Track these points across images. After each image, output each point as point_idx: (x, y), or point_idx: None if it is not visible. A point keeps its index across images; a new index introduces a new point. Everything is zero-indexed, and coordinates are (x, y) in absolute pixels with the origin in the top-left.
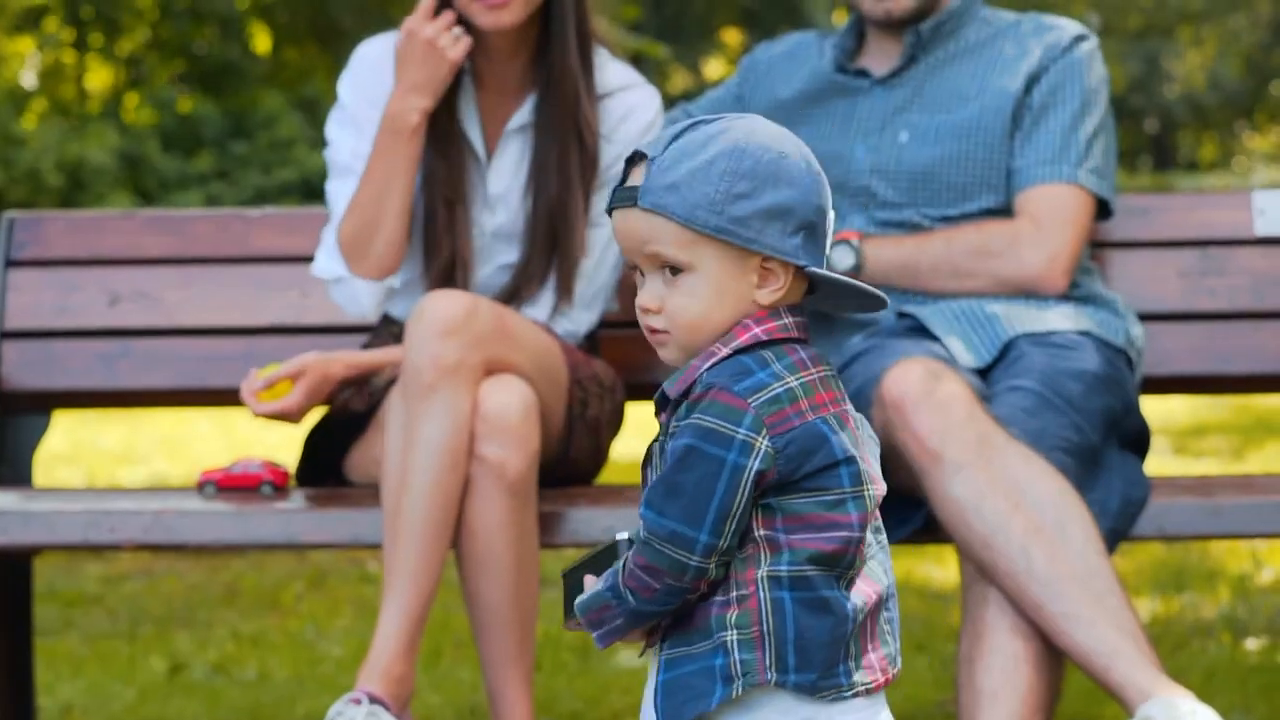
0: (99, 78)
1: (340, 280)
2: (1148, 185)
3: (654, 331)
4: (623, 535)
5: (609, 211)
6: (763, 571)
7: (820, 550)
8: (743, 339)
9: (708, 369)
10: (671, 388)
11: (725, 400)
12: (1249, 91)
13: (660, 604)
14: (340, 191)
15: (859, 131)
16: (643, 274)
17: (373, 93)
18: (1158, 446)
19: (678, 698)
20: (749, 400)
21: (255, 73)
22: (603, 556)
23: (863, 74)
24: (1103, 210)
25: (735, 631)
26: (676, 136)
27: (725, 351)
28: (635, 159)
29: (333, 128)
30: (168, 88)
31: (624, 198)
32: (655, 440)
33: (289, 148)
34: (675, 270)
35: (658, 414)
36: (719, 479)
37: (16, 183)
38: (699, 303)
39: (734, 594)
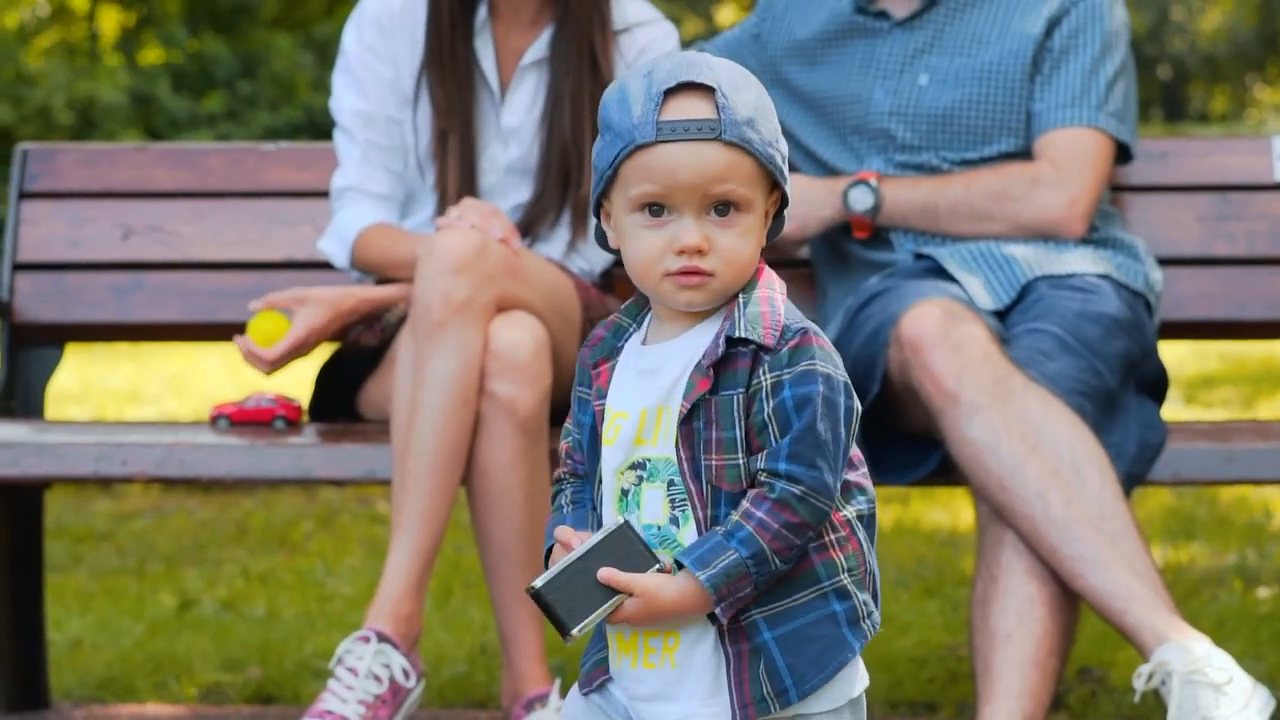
0: (110, 19)
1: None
2: (1160, 135)
3: (697, 274)
4: (619, 519)
5: (663, 142)
6: (850, 512)
7: (870, 488)
8: (772, 280)
9: (785, 313)
10: (758, 336)
11: (823, 345)
12: (1261, 44)
13: (792, 562)
14: (344, 145)
15: (878, 74)
16: (663, 212)
17: (376, 45)
18: (1169, 396)
19: (810, 650)
20: (829, 343)
21: (266, 15)
22: (609, 546)
23: (883, 15)
24: (1123, 154)
25: (848, 575)
26: (705, 65)
27: (780, 296)
28: (684, 89)
29: (337, 76)
30: (179, 28)
31: (702, 130)
32: (708, 394)
33: (297, 88)
34: (726, 210)
35: (710, 367)
36: (843, 425)
37: (27, 120)
38: (751, 244)
39: (830, 537)
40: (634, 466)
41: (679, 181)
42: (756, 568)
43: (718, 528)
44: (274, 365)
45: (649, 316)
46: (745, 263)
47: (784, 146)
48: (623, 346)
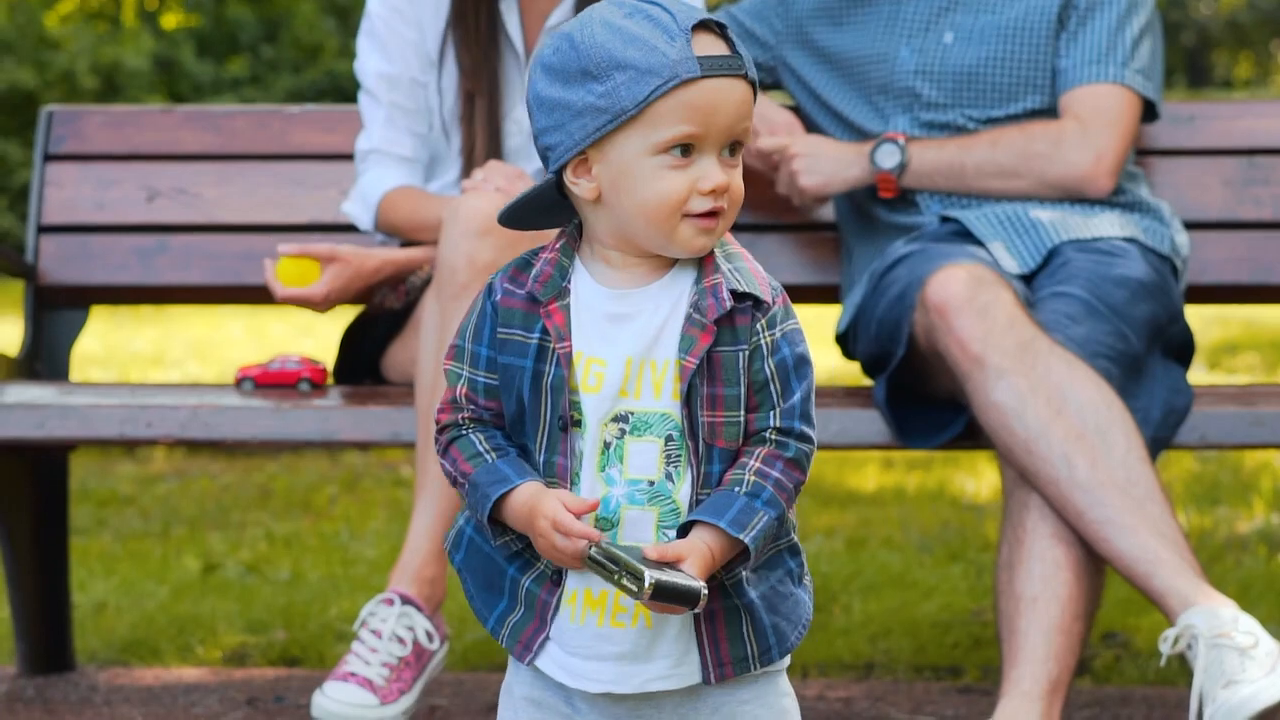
0: None
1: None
2: (1185, 99)
3: (713, 215)
4: (593, 547)
5: (707, 77)
6: None
7: None
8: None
9: (759, 267)
10: (759, 291)
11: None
12: None
13: None
14: (368, 107)
15: (903, 33)
16: (691, 152)
17: (401, 8)
18: (1192, 362)
19: (784, 607)
20: None
21: None
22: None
23: None
24: (1149, 112)
25: (794, 530)
26: (692, 7)
27: (744, 251)
28: (701, 27)
29: (362, 39)
30: None
31: (733, 66)
32: (710, 348)
33: (320, 52)
34: (735, 150)
35: (714, 320)
36: None
37: (51, 85)
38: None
39: None
40: (617, 419)
41: (717, 119)
42: (779, 527)
43: (735, 487)
44: (285, 301)
45: (576, 258)
46: (741, 203)
47: None
48: (569, 287)
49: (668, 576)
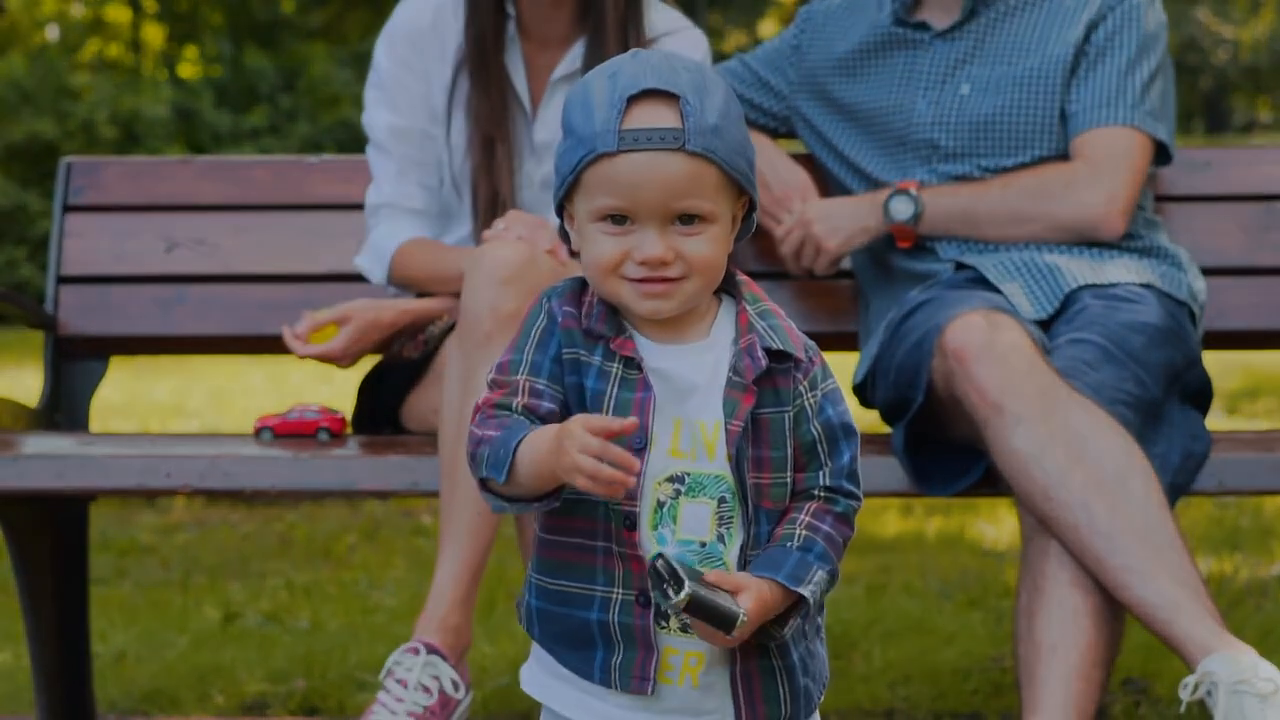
0: (153, 34)
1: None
2: (1203, 145)
3: (666, 281)
4: (659, 557)
5: (622, 152)
6: None
7: None
8: (762, 292)
9: (793, 325)
10: (794, 350)
11: None
12: None
13: None
14: (378, 160)
15: (920, 85)
16: (626, 222)
17: (409, 60)
18: (1211, 407)
19: (814, 666)
20: None
21: (305, 28)
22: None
23: (923, 27)
24: (1162, 155)
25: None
26: (670, 70)
27: (777, 308)
28: (648, 95)
29: (369, 93)
30: (221, 42)
31: (665, 139)
32: (754, 411)
33: (335, 99)
34: (691, 220)
35: (753, 381)
36: None
37: (71, 135)
38: (719, 249)
39: None
40: (672, 479)
41: (641, 195)
42: (830, 582)
43: (787, 542)
44: (305, 356)
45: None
46: (714, 268)
47: (752, 152)
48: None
49: (710, 595)
